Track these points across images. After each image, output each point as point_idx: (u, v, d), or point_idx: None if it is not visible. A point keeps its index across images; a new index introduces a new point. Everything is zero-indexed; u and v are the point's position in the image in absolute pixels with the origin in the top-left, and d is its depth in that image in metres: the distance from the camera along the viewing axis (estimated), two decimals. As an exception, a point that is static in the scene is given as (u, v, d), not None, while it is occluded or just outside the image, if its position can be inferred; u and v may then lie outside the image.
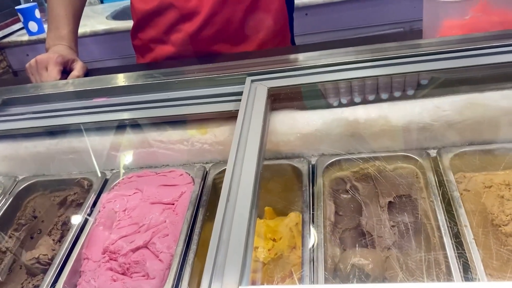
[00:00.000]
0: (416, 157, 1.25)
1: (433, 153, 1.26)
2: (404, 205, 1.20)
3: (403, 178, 1.25)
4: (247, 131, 1.17)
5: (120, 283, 1.13)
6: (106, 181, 1.46)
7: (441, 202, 1.12)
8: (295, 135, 1.29)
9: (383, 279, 1.04)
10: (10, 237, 1.41)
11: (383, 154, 1.29)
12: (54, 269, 1.19)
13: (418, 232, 1.14)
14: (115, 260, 1.20)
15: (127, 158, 1.46)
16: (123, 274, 1.17)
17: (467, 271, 0.97)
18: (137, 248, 1.20)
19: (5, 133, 1.46)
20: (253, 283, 1.23)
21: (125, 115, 1.40)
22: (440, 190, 1.15)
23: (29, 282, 1.30)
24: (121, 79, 1.52)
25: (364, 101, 1.27)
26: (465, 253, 1.00)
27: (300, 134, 1.28)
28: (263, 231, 1.35)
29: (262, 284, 1.20)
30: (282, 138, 1.30)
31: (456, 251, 1.01)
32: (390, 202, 1.21)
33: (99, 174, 1.46)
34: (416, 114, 1.21)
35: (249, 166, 1.06)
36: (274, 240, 1.32)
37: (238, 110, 1.21)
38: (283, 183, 1.37)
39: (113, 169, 1.49)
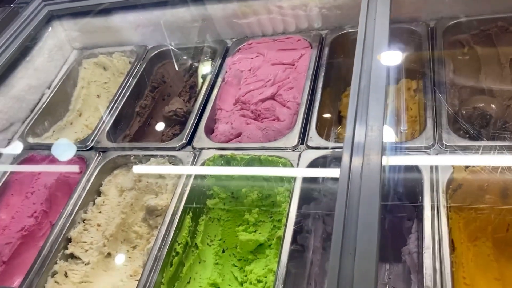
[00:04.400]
0: (543, 16, 1.24)
1: (562, 12, 1.23)
2: (527, 61, 1.22)
3: (527, 38, 1.26)
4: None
5: (253, 126, 1.29)
6: (227, 49, 1.59)
7: None
8: (417, -4, 1.31)
9: (504, 123, 1.10)
10: (146, 96, 1.62)
11: (505, 15, 1.28)
12: (193, 117, 1.37)
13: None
14: (246, 110, 1.35)
15: (246, 26, 1.56)
16: (254, 119, 1.32)
17: None
18: (266, 99, 1.34)
19: (138, 2, 1.60)
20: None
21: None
22: None
23: (169, 131, 1.51)
24: None
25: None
26: None
27: (422, -6, 1.30)
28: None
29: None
30: (403, 0, 1.33)
31: None
32: (511, 59, 1.23)
33: (221, 42, 1.59)
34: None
35: (382, 26, 1.08)
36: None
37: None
38: (400, 48, 1.41)
39: (233, 38, 1.61)
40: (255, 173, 1.19)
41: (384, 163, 0.88)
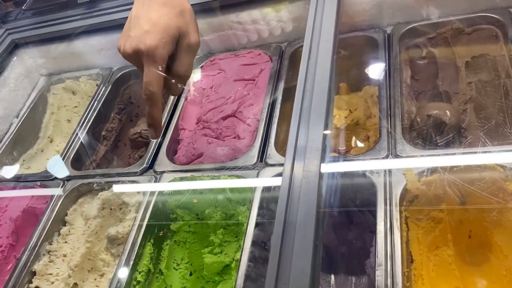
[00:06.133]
0: (496, 16, 1.23)
1: (514, 11, 1.23)
2: (482, 63, 1.21)
3: (481, 39, 1.25)
4: (323, 4, 1.17)
5: (214, 145, 1.28)
6: (190, 66, 1.58)
7: (522, 57, 1.12)
8: (371, 3, 1.30)
9: (459, 129, 1.09)
10: (113, 119, 1.61)
11: (460, 17, 1.28)
12: (156, 140, 1.36)
13: (496, 87, 1.16)
14: (208, 128, 1.34)
15: (208, 43, 1.56)
16: (216, 138, 1.32)
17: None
18: (227, 116, 1.33)
19: (99, 26, 1.60)
20: (334, 148, 1.34)
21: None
22: (521, 46, 1.15)
23: (135, 153, 1.50)
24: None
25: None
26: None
27: (376, 2, 1.30)
28: (339, 105, 1.43)
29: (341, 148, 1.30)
30: (358, 8, 1.32)
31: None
32: (467, 62, 1.23)
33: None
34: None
35: (326, 39, 1.06)
36: (350, 110, 1.41)
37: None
38: (358, 56, 1.41)
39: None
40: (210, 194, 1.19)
41: (331, 176, 0.88)
